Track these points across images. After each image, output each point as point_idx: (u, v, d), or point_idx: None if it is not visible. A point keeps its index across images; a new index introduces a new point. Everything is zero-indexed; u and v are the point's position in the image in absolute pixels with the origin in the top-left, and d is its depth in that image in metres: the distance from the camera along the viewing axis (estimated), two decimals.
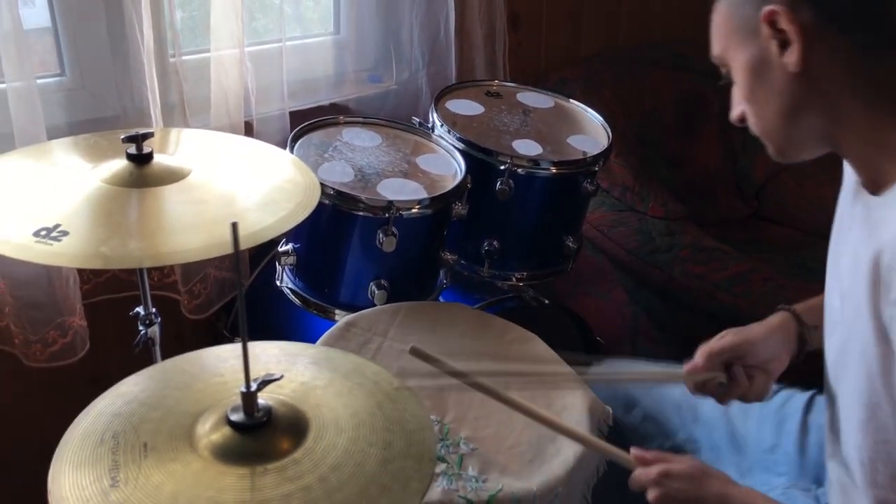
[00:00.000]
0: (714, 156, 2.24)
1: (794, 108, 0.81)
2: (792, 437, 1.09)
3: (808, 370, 1.07)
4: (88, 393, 1.39)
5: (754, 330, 1.03)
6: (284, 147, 1.31)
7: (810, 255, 2.05)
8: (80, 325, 1.39)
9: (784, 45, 0.78)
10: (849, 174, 0.91)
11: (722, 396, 1.03)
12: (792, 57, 0.78)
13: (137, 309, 1.10)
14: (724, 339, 1.03)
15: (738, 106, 0.86)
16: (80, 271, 1.41)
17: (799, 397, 1.13)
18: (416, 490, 0.77)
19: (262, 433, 0.79)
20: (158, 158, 0.98)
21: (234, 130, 1.55)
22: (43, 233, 0.84)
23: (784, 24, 0.77)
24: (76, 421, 0.82)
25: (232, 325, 1.65)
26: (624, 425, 1.25)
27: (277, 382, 0.85)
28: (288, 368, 0.92)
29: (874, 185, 0.81)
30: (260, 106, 1.60)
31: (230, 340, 1.62)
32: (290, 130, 1.64)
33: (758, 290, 1.62)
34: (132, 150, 0.96)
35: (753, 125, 0.86)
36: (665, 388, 1.21)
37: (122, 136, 0.96)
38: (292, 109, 1.66)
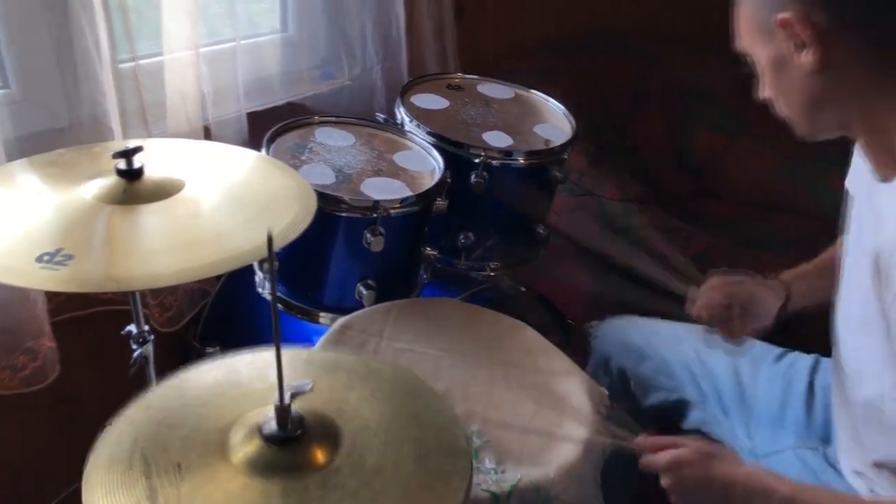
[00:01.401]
0: (657, 136, 2.31)
1: (814, 101, 0.86)
2: (799, 399, 1.15)
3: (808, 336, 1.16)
4: (57, 413, 1.35)
5: (765, 286, 1.13)
6: None
7: (757, 227, 2.15)
8: (49, 346, 1.33)
9: (801, 46, 0.82)
10: (861, 166, 0.97)
11: (717, 321, 1.13)
12: (809, 58, 0.82)
13: (129, 327, 1.06)
14: (740, 281, 1.13)
15: (767, 89, 0.91)
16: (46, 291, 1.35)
17: (804, 360, 1.20)
18: (458, 487, 0.78)
19: (297, 444, 0.78)
20: (149, 172, 0.95)
21: (193, 136, 1.51)
22: (46, 258, 0.80)
23: (798, 29, 0.81)
24: (95, 450, 0.79)
25: (201, 336, 1.61)
26: (636, 376, 1.29)
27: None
28: (303, 375, 0.91)
29: (885, 174, 0.86)
30: (216, 109, 1.56)
31: (200, 351, 1.58)
32: (248, 132, 1.62)
33: (720, 265, 1.68)
34: (122, 165, 0.93)
35: (780, 110, 0.91)
36: (677, 344, 1.27)
37: (113, 153, 0.92)
38: (249, 111, 1.62)
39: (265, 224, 0.94)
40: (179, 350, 1.66)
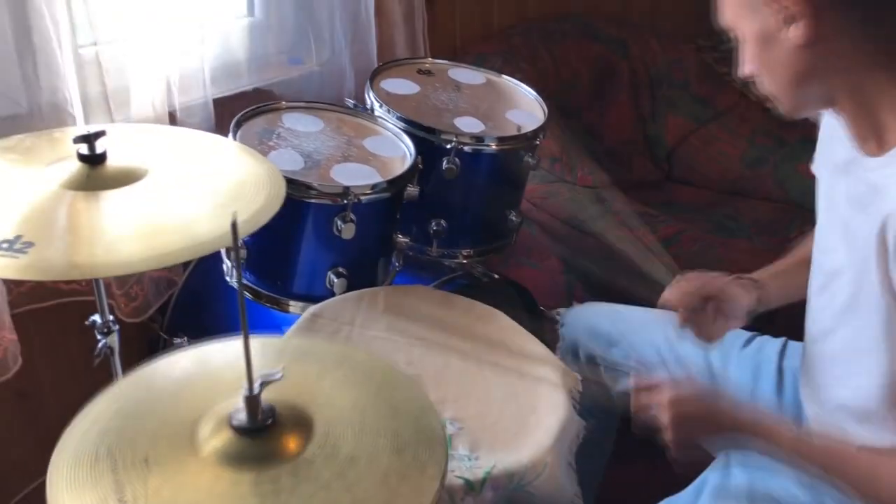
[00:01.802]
0: (626, 123, 2.32)
1: (801, 76, 0.85)
2: (770, 382, 1.16)
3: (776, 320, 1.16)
4: (17, 408, 1.32)
5: (731, 284, 1.12)
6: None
7: (724, 212, 2.17)
8: (10, 339, 1.30)
9: (790, 20, 0.82)
10: (829, 149, 0.97)
11: (688, 319, 1.11)
12: (798, 31, 0.82)
13: (94, 317, 1.03)
14: (713, 279, 1.11)
15: (747, 65, 0.90)
16: (4, 281, 1.31)
17: (773, 343, 1.21)
18: (434, 475, 0.77)
19: (268, 435, 0.77)
20: (112, 158, 0.92)
21: (158, 122, 1.47)
22: (4, 246, 0.77)
23: (789, 2, 0.80)
24: (60, 445, 0.77)
25: (168, 326, 1.59)
26: (606, 361, 1.29)
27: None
28: (274, 364, 0.89)
29: (875, 148, 0.86)
30: (182, 95, 1.53)
31: (167, 342, 1.55)
32: (215, 119, 1.59)
33: (689, 251, 1.70)
34: (84, 150, 0.90)
35: (763, 87, 0.91)
36: (645, 329, 1.27)
37: (74, 137, 0.89)
38: (216, 96, 1.59)
39: (231, 211, 0.91)
40: (146, 341, 1.63)
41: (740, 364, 1.20)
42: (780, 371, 1.16)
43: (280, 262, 1.28)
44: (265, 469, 0.74)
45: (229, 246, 0.91)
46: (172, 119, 1.52)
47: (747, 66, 0.90)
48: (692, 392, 0.96)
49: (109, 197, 0.89)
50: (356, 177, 1.23)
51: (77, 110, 1.34)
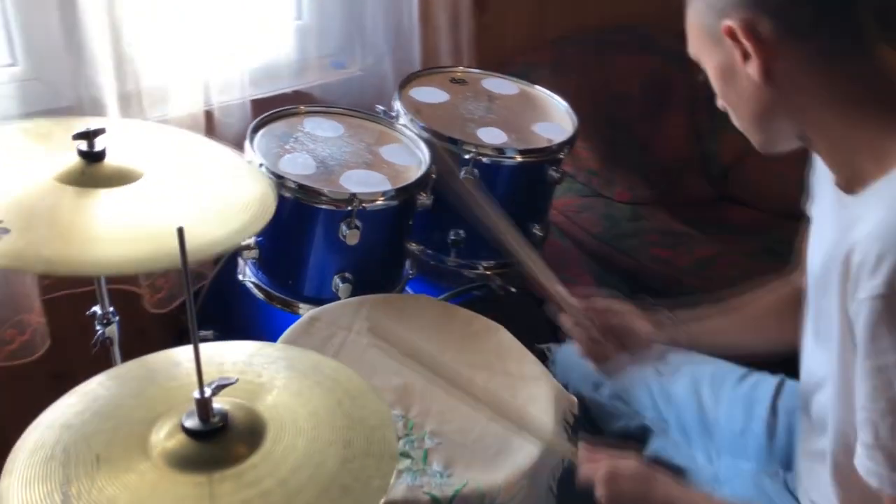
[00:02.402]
0: (681, 138, 2.24)
1: (763, 112, 0.81)
2: (761, 422, 1.10)
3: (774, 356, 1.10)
4: (51, 389, 1.37)
5: (645, 321, 1.09)
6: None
7: (775, 236, 2.07)
8: (38, 321, 1.36)
9: (745, 55, 0.78)
10: (824, 172, 0.92)
11: (582, 347, 1.10)
12: (753, 69, 0.77)
13: (94, 308, 1.07)
14: (627, 311, 1.09)
15: (719, 100, 0.86)
16: None
17: (768, 381, 1.15)
18: (378, 488, 0.76)
19: (218, 439, 0.78)
20: (111, 157, 0.96)
21: (193, 121, 1.52)
22: None
23: (742, 38, 0.76)
24: (24, 435, 0.80)
25: (197, 319, 1.63)
26: (594, 403, 1.26)
27: (234, 385, 0.83)
28: (244, 370, 0.90)
29: (850, 185, 0.81)
30: (220, 95, 1.57)
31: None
32: (252, 119, 1.63)
33: (724, 274, 1.63)
34: (83, 146, 0.93)
35: (733, 121, 0.87)
36: (636, 368, 1.22)
37: (74, 134, 0.93)
38: (253, 98, 1.63)
39: (220, 220, 0.93)
40: (175, 332, 1.68)
41: (732, 402, 1.14)
42: (773, 412, 1.10)
43: (290, 265, 1.30)
44: (210, 472, 0.75)
45: (219, 253, 0.92)
46: (209, 118, 1.57)
47: (719, 99, 0.86)
48: (629, 471, 0.92)
49: (98, 196, 0.91)
50: (365, 183, 1.24)
51: (112, 106, 1.40)
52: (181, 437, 0.78)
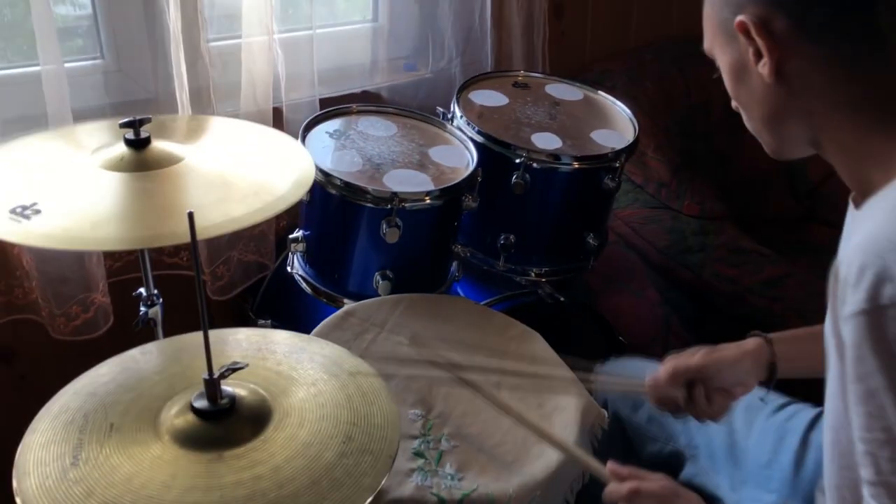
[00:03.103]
0: (765, 153, 2.14)
1: (775, 114, 0.77)
2: (789, 454, 1.04)
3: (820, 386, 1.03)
4: None
5: (725, 353, 1.02)
6: None
7: None
8: (102, 301, 1.44)
9: (757, 54, 0.74)
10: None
11: (678, 413, 1.02)
12: (764, 68, 0.73)
13: (140, 290, 1.12)
14: (693, 358, 1.02)
15: (733, 100, 0.82)
16: (108, 254, 1.46)
17: (806, 413, 1.08)
18: (368, 487, 0.77)
19: (224, 421, 0.80)
20: (156, 144, 1.00)
21: (262, 117, 1.57)
22: (18, 209, 0.86)
23: (755, 35, 0.73)
24: (55, 398, 0.85)
25: (258, 307, 1.68)
26: (631, 425, 1.22)
27: (251, 370, 0.86)
28: (266, 356, 0.93)
29: (859, 197, 0.76)
30: (290, 93, 1.62)
31: (254, 323, 1.65)
32: None
33: (792, 295, 1.55)
34: (130, 135, 0.98)
35: (745, 123, 0.82)
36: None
37: (121, 122, 0.98)
38: (323, 97, 1.66)
39: (254, 201, 0.96)
40: (238, 319, 1.74)
41: (764, 431, 1.08)
42: (804, 444, 1.03)
43: (335, 260, 1.32)
44: (210, 452, 0.78)
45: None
46: (278, 115, 1.61)
47: (733, 100, 0.82)
48: (653, 491, 0.88)
49: (133, 178, 0.96)
50: (408, 183, 1.25)
51: (184, 100, 1.46)
52: (189, 417, 0.81)
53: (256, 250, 1.62)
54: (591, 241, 1.46)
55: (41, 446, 0.78)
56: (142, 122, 0.98)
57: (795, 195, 2.18)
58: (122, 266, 1.53)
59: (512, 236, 1.41)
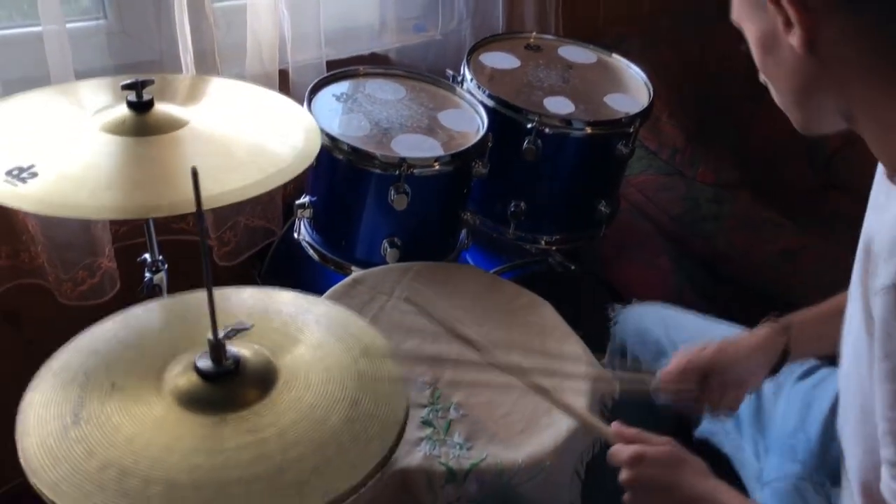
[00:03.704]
0: (784, 121, 2.09)
1: (804, 87, 0.73)
2: (817, 424, 1.01)
3: None
4: None
5: (738, 346, 1.00)
6: None
7: None
8: (108, 266, 1.43)
9: (787, 24, 0.70)
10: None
11: (691, 408, 1.00)
12: (795, 38, 0.70)
13: (144, 255, 1.11)
14: (705, 352, 1.00)
15: (760, 73, 0.79)
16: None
17: (834, 379, 1.04)
18: (376, 452, 0.75)
19: (228, 382, 0.79)
20: (159, 107, 0.98)
21: (268, 79, 1.54)
22: (15, 172, 0.84)
23: (785, 3, 0.69)
24: (56, 354, 0.84)
25: (265, 273, 1.67)
26: (652, 370, 1.19)
27: (256, 332, 0.84)
28: (271, 318, 0.91)
29: (892, 170, 0.73)
30: (296, 54, 1.59)
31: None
32: None
33: (809, 269, 1.52)
34: (132, 97, 0.96)
35: (773, 96, 0.79)
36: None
37: (123, 84, 0.95)
38: (330, 59, 1.63)
39: (256, 166, 0.94)
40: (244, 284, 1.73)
41: (791, 397, 1.05)
42: (832, 414, 1.00)
43: (342, 227, 1.30)
44: (214, 414, 0.76)
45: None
46: (284, 77, 1.58)
47: (760, 74, 0.78)
48: (658, 456, 0.86)
49: (134, 143, 0.94)
50: (417, 148, 1.22)
51: (188, 61, 1.43)
52: (193, 377, 0.79)
53: (263, 215, 1.60)
54: (602, 208, 1.44)
55: (42, 404, 0.77)
56: (144, 84, 0.96)
57: (812, 164, 2.13)
58: (129, 231, 1.52)
59: (522, 203, 1.39)
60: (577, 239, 1.48)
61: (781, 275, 1.53)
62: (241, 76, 1.53)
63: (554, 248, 1.46)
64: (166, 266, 1.12)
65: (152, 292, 1.11)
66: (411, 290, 1.17)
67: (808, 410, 1.03)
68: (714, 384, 0.98)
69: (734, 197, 1.68)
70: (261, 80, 1.53)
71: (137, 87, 0.96)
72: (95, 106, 1.01)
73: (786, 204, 1.81)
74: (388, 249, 1.24)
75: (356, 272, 1.20)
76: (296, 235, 1.36)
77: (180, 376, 0.80)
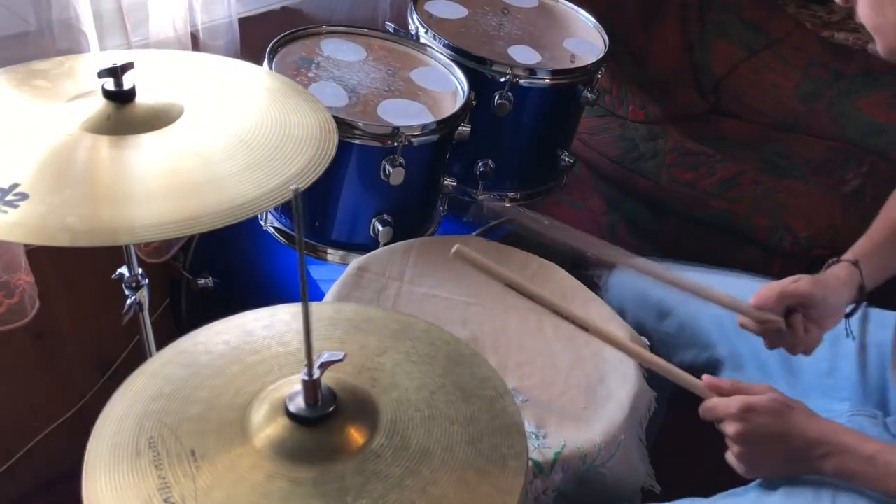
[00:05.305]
0: (673, 49, 2.15)
1: None
2: (850, 359, 1.03)
3: None
4: (37, 350, 1.22)
5: (829, 281, 0.98)
6: None
7: (774, 149, 2.03)
8: (27, 281, 1.20)
9: None
10: None
11: (773, 342, 0.98)
12: None
13: (121, 270, 0.93)
14: (799, 283, 0.97)
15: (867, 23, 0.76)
16: None
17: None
18: (516, 470, 0.68)
19: (329, 424, 0.68)
20: (142, 96, 0.80)
21: (180, 45, 1.34)
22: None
23: None
24: (96, 431, 0.68)
25: (192, 265, 1.49)
26: (658, 333, 1.17)
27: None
28: (327, 337, 0.80)
29: None
30: (205, 13, 1.39)
31: (192, 283, 1.46)
32: (240, 41, 1.45)
33: (750, 194, 1.58)
34: (109, 85, 0.78)
35: (864, 17, 0.77)
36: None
37: (98, 70, 0.77)
38: (241, 15, 1.44)
39: (275, 165, 0.80)
40: (167, 281, 1.54)
41: None
42: (862, 347, 1.03)
43: (320, 207, 1.16)
44: (327, 464, 0.65)
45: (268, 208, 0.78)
46: (195, 40, 1.38)
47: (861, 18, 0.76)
48: (766, 405, 0.85)
49: (131, 143, 0.76)
50: (405, 115, 1.11)
51: (89, 30, 1.20)
52: (286, 423, 0.67)
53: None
54: (565, 158, 1.40)
55: (115, 496, 0.62)
56: (124, 69, 0.77)
57: (700, 90, 2.21)
58: None
59: (490, 161, 1.31)
60: (541, 192, 1.43)
61: (728, 204, 1.57)
62: (145, 43, 1.32)
63: (519, 203, 1.41)
64: (147, 281, 0.95)
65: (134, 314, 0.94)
66: (421, 272, 1.08)
67: (837, 347, 1.04)
68: (799, 319, 0.96)
69: (665, 132, 1.70)
70: (172, 46, 1.33)
71: (116, 72, 0.77)
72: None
73: (686, 132, 1.86)
74: (381, 228, 1.12)
75: (356, 260, 1.09)
76: (262, 224, 1.20)
77: (270, 425, 0.67)
